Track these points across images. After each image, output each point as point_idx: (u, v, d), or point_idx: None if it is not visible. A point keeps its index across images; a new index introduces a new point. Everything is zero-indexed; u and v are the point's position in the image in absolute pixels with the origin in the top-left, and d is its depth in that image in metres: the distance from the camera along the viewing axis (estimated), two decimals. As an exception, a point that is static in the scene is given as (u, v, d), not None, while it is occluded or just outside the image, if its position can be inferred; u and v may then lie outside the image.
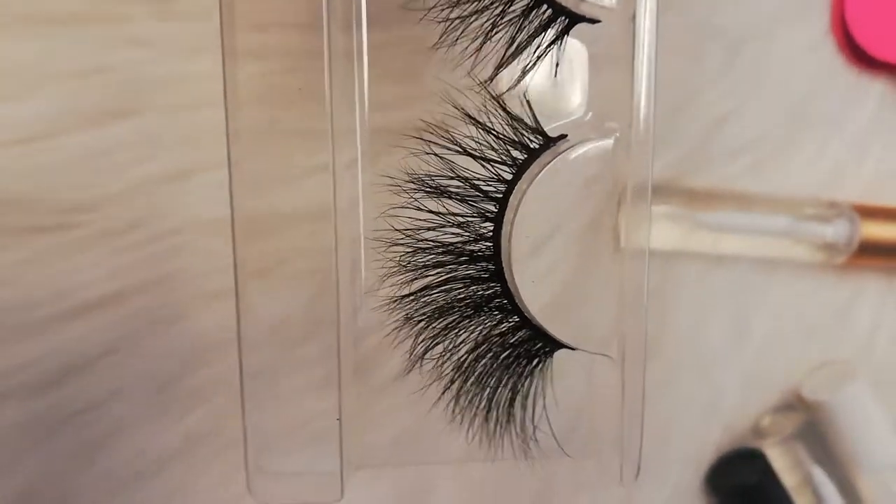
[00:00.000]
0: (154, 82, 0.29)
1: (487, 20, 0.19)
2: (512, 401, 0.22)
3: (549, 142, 0.20)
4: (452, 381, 0.22)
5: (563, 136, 0.20)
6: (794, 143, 0.34)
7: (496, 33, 0.19)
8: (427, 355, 0.22)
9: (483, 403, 0.22)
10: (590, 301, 0.24)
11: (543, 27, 0.19)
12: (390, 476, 0.31)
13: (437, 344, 0.22)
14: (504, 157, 0.20)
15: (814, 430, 0.34)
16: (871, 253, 0.33)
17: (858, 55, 0.34)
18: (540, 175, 0.21)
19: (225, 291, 0.30)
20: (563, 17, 0.19)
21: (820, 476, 0.34)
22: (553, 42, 0.19)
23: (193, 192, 0.30)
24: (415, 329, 0.22)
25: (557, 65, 0.20)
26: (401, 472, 0.31)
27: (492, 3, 0.19)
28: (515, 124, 0.20)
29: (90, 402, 0.29)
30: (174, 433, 0.30)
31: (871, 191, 0.35)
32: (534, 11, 0.19)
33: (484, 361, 0.21)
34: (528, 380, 0.22)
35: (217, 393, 0.30)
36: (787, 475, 0.34)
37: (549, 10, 0.18)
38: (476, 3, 0.19)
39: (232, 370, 0.30)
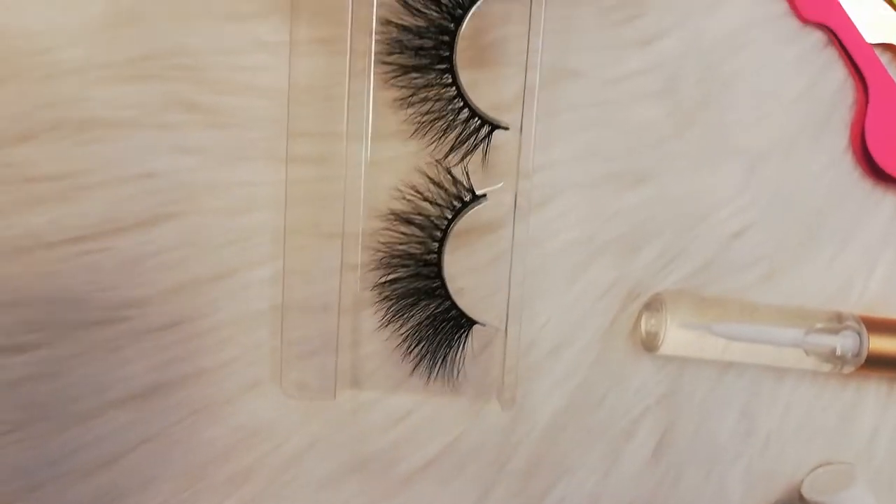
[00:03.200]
0: (199, 187, 0.31)
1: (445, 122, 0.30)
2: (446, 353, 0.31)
3: (475, 197, 0.31)
4: (409, 336, 0.32)
5: (484, 195, 0.31)
6: (808, 255, 0.35)
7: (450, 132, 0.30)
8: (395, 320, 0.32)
9: (427, 353, 0.31)
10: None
11: (477, 129, 0.30)
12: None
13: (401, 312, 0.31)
14: (448, 204, 0.31)
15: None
16: (878, 366, 0.34)
17: (875, 169, 0.36)
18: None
19: (260, 382, 0.32)
20: (488, 125, 0.30)
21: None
22: (483, 139, 0.30)
23: (234, 290, 0.31)
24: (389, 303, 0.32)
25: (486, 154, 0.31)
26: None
27: (447, 113, 0.30)
28: (457, 185, 0.31)
29: (131, 487, 0.31)
30: (208, 519, 0.32)
31: (881, 302, 0.36)
32: (471, 120, 0.30)
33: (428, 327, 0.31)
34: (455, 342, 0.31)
35: (249, 480, 0.32)
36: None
37: (479, 120, 0.30)
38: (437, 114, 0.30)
39: (265, 458, 0.32)
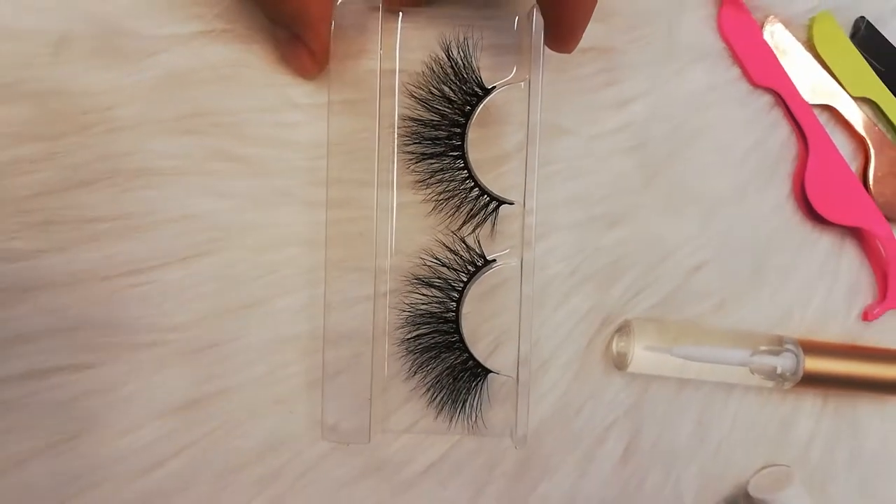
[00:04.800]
0: (235, 227, 0.35)
1: (459, 199, 0.36)
2: (465, 399, 0.36)
3: (487, 262, 0.36)
4: (432, 385, 0.36)
5: (494, 260, 0.36)
6: (755, 287, 0.41)
7: (463, 207, 0.36)
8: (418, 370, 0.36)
9: (448, 398, 0.36)
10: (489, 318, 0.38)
11: (486, 205, 0.35)
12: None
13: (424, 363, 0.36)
14: (462, 269, 0.36)
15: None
16: (813, 382, 0.40)
17: (813, 214, 0.42)
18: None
19: (287, 397, 0.36)
20: (496, 202, 0.35)
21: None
22: (492, 213, 0.35)
23: (263, 317, 0.36)
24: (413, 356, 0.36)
25: (494, 225, 0.36)
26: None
27: (460, 192, 0.35)
28: (471, 251, 0.36)
29: (174, 489, 0.35)
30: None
31: (816, 327, 0.42)
32: (481, 197, 0.35)
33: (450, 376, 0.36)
34: (474, 388, 0.36)
35: (275, 481, 0.37)
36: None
37: (488, 198, 0.35)
38: (452, 192, 0.35)
39: (288, 462, 0.37)
